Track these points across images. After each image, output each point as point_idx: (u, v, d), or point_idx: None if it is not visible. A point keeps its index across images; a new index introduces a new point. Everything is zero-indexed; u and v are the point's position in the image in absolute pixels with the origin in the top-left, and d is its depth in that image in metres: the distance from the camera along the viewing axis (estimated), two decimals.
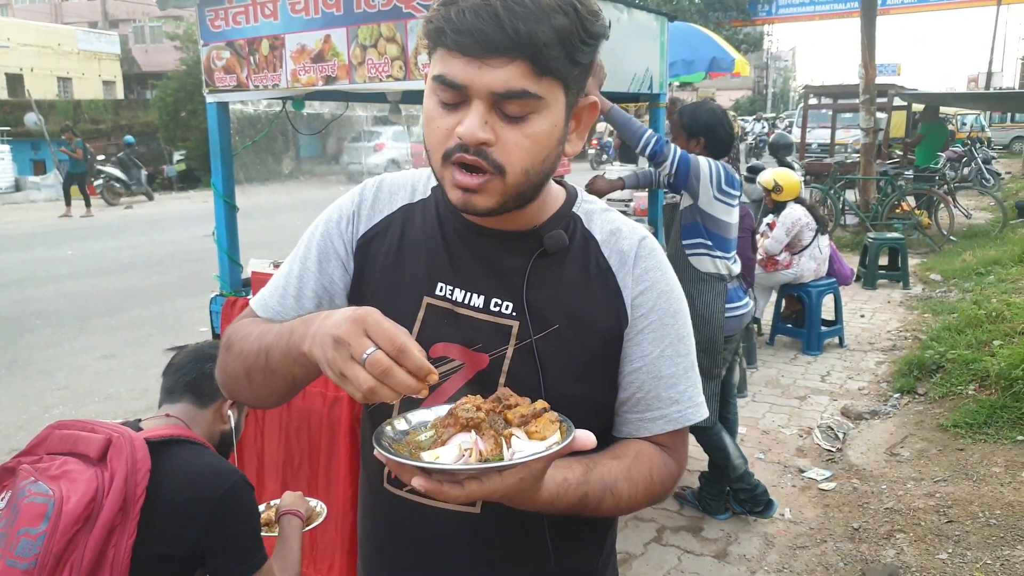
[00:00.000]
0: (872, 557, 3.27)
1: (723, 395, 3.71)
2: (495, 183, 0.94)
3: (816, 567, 3.24)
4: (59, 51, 32.16)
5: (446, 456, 0.83)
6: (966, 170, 15.46)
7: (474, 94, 0.91)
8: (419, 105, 3.78)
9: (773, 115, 39.07)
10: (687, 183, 3.20)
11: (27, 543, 1.38)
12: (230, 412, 1.83)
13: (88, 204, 16.23)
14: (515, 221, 1.05)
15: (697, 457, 3.77)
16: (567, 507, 0.96)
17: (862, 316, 7.12)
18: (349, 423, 2.51)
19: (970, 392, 4.69)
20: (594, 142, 20.20)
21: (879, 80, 12.15)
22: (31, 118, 20.97)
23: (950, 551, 3.24)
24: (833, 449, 4.36)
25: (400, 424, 0.92)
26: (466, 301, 1.06)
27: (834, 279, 6.21)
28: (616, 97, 3.36)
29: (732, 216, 3.31)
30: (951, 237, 10.19)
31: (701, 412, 1.10)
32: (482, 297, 1.06)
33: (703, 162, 3.20)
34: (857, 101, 11.37)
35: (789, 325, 6.33)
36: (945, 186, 11.32)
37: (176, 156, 22.84)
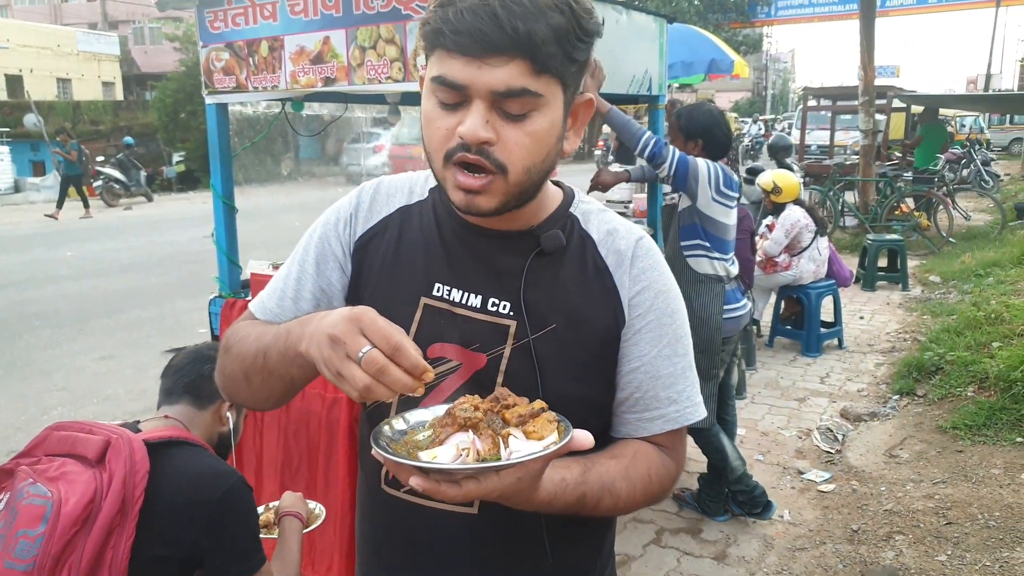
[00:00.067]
0: (871, 559, 3.27)
1: (722, 396, 3.71)
2: (497, 183, 0.95)
3: (815, 569, 3.24)
4: (58, 52, 32.17)
5: (443, 456, 0.83)
6: (965, 172, 15.48)
7: (474, 94, 0.92)
8: (411, 107, 3.79)
9: (772, 116, 39.08)
10: (685, 185, 3.20)
11: (25, 544, 1.38)
12: (229, 414, 1.83)
13: (87, 205, 16.22)
14: (513, 221, 1.05)
15: (696, 459, 3.77)
16: (565, 507, 0.96)
17: (861, 318, 7.12)
18: (348, 424, 2.51)
19: (969, 394, 4.70)
20: (599, 143, 20.23)
21: (878, 82, 12.16)
22: (30, 119, 20.97)
23: (949, 553, 3.24)
24: (832, 451, 4.36)
25: (398, 424, 0.92)
26: (464, 301, 1.07)
27: (833, 281, 6.22)
28: (615, 99, 3.36)
29: (730, 218, 3.31)
30: (950, 239, 10.20)
31: (699, 412, 1.11)
32: (480, 297, 1.06)
33: (701, 164, 3.20)
34: (856, 103, 11.39)
35: (788, 327, 6.33)
36: (944, 188, 11.33)
37: (175, 157, 22.86)
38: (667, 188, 4.11)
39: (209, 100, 3.19)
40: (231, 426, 1.84)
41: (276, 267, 2.95)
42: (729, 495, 3.62)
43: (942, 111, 15.18)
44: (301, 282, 1.13)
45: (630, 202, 5.91)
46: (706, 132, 3.34)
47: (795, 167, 9.68)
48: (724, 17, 26.18)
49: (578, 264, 1.08)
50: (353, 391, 0.81)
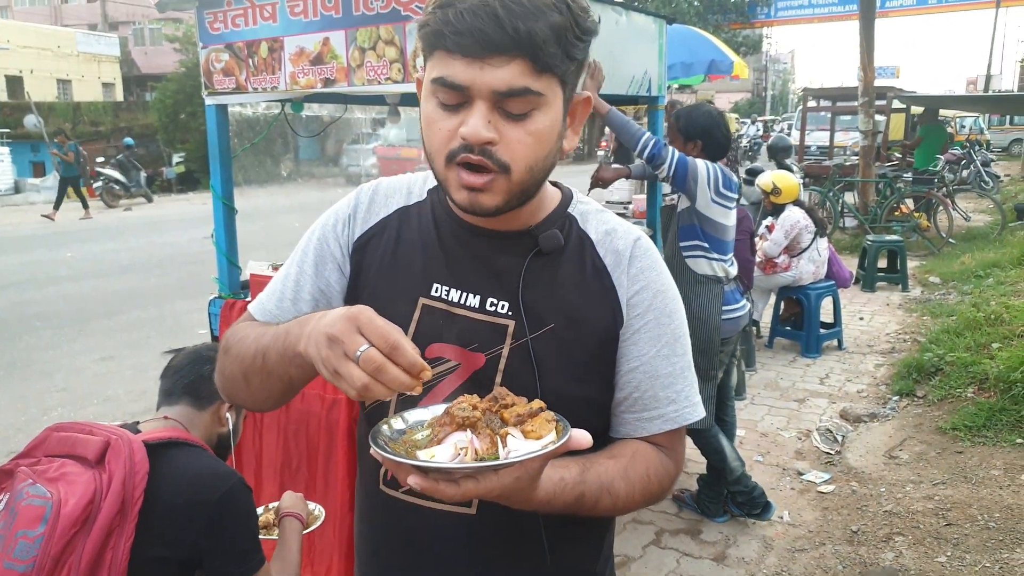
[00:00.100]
0: (871, 560, 3.27)
1: (721, 397, 3.71)
2: (500, 181, 0.96)
3: (815, 570, 3.24)
4: (59, 53, 32.18)
5: (442, 455, 0.83)
6: (965, 172, 15.48)
7: (476, 94, 0.92)
8: (411, 107, 3.79)
9: (772, 117, 39.08)
10: (684, 186, 3.21)
11: (25, 545, 1.38)
12: (228, 415, 1.84)
13: (86, 206, 16.22)
14: (511, 221, 1.06)
15: (695, 460, 3.77)
16: (564, 507, 0.96)
17: (861, 318, 7.12)
18: (347, 425, 2.51)
19: (969, 395, 4.70)
20: (603, 144, 20.21)
21: (878, 82, 12.16)
22: (31, 120, 20.98)
23: (949, 554, 3.24)
24: (832, 452, 4.36)
25: (397, 423, 0.92)
26: (462, 301, 1.07)
27: (833, 281, 6.22)
28: (615, 100, 3.37)
29: (729, 219, 3.31)
30: (950, 239, 10.20)
31: (698, 412, 1.11)
32: (478, 297, 1.07)
33: (700, 165, 3.20)
34: (856, 104, 11.40)
35: (788, 327, 6.33)
36: (944, 188, 11.33)
37: (175, 158, 22.87)
38: (667, 189, 4.12)
39: (209, 101, 3.19)
40: (230, 427, 1.84)
41: (276, 268, 2.95)
42: (728, 496, 3.62)
43: (942, 112, 15.20)
44: (300, 283, 1.13)
45: (630, 203, 5.92)
46: (705, 133, 3.35)
47: (795, 168, 9.68)
48: (724, 18, 26.21)
49: (576, 264, 1.09)
50: (351, 390, 0.81)
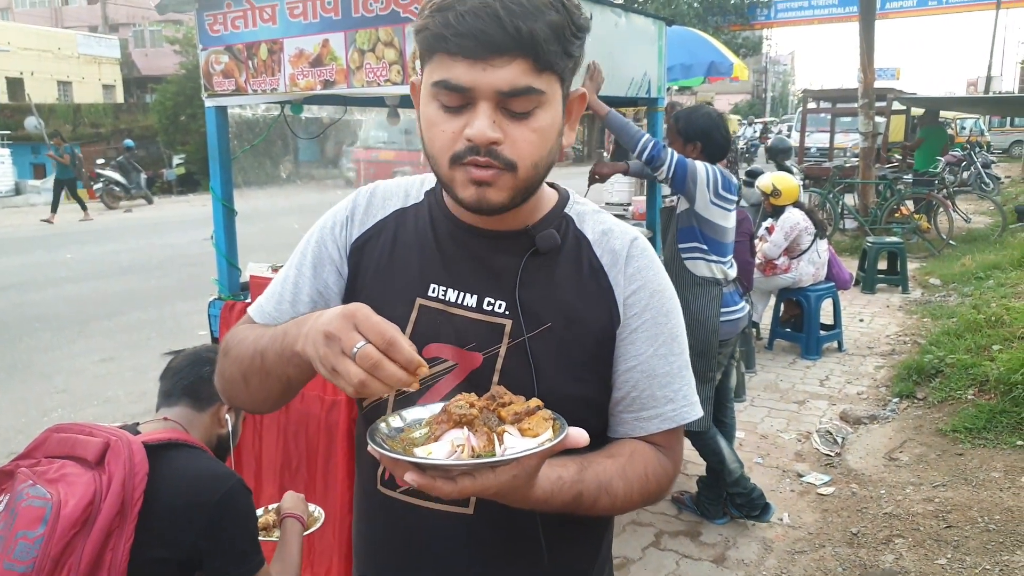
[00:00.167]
0: (871, 562, 3.26)
1: (721, 399, 3.71)
2: (506, 179, 0.97)
3: (815, 572, 3.23)
4: (59, 55, 32.22)
5: (438, 452, 0.84)
6: (965, 174, 15.50)
7: (480, 95, 0.93)
8: (410, 109, 3.79)
9: (771, 119, 39.07)
10: (684, 187, 3.21)
11: (25, 546, 1.39)
12: (227, 416, 1.84)
13: (84, 208, 16.21)
14: (508, 221, 1.06)
15: (695, 462, 3.77)
16: (562, 505, 0.96)
17: (861, 320, 7.12)
18: (346, 427, 2.51)
19: (969, 397, 4.70)
20: (609, 144, 20.20)
21: (878, 84, 12.17)
22: (31, 122, 21.00)
23: (949, 556, 3.24)
24: (832, 454, 4.35)
25: (395, 421, 0.92)
26: (459, 301, 1.07)
27: (833, 283, 6.22)
28: (614, 101, 3.37)
29: (729, 220, 3.31)
30: (950, 241, 10.21)
31: (696, 411, 1.11)
32: (475, 297, 1.07)
33: (700, 167, 3.20)
34: (856, 105, 11.41)
35: (788, 329, 6.33)
36: (944, 190, 11.34)
37: (175, 160, 22.89)
38: (666, 190, 4.12)
39: (208, 103, 3.19)
40: (230, 428, 1.84)
41: (275, 269, 2.95)
42: (728, 498, 3.62)
43: (942, 114, 15.20)
44: (298, 285, 1.14)
45: (629, 204, 5.91)
46: (705, 135, 3.34)
47: (795, 169, 9.69)
48: (723, 19, 26.20)
49: (573, 263, 1.09)
50: (348, 387, 0.82)
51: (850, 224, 11.15)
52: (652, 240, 4.03)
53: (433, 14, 0.93)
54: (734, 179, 3.34)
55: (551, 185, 1.15)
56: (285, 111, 3.48)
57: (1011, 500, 3.60)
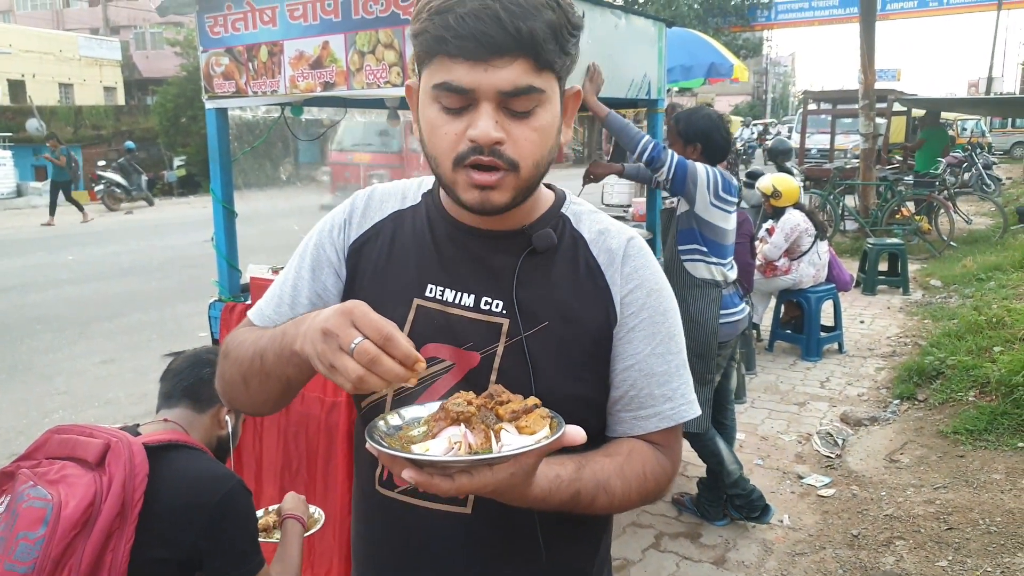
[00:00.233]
0: (871, 564, 3.26)
1: (720, 401, 3.71)
2: (510, 179, 0.97)
3: (815, 574, 3.23)
4: (61, 57, 32.26)
5: (435, 449, 0.84)
6: (966, 175, 15.49)
7: (482, 96, 0.94)
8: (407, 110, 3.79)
9: (771, 120, 39.06)
10: (684, 189, 3.21)
11: (26, 547, 1.39)
12: (228, 417, 1.84)
13: (81, 210, 16.20)
14: (506, 221, 1.07)
15: (695, 463, 3.77)
16: (560, 504, 0.97)
17: (862, 322, 7.12)
18: (347, 428, 2.51)
19: (970, 398, 4.69)
20: (607, 145, 20.21)
21: (879, 85, 12.18)
22: (32, 124, 21.05)
23: (950, 558, 3.24)
24: (832, 455, 4.35)
25: (393, 419, 0.93)
26: (457, 301, 1.08)
27: (833, 285, 6.22)
28: (614, 103, 3.37)
29: (729, 222, 3.31)
30: (951, 243, 10.20)
31: (694, 409, 1.12)
32: (472, 296, 1.08)
33: (700, 168, 3.20)
34: (856, 106, 11.40)
35: (788, 331, 6.33)
36: (945, 191, 11.34)
37: (176, 162, 22.91)
38: (666, 192, 4.12)
39: (209, 105, 3.20)
40: (230, 429, 1.85)
41: (275, 271, 2.96)
42: (727, 499, 3.61)
43: (943, 115, 15.19)
44: (297, 288, 1.15)
45: (629, 206, 5.92)
46: (705, 136, 3.34)
47: (795, 171, 9.68)
48: (724, 21, 26.21)
49: (570, 263, 1.10)
50: (346, 383, 0.82)
51: (851, 225, 11.14)
52: (652, 242, 4.03)
53: (432, 17, 0.93)
54: (734, 181, 3.34)
55: (548, 186, 1.16)
56: (285, 113, 3.49)
57: (1012, 502, 3.60)
